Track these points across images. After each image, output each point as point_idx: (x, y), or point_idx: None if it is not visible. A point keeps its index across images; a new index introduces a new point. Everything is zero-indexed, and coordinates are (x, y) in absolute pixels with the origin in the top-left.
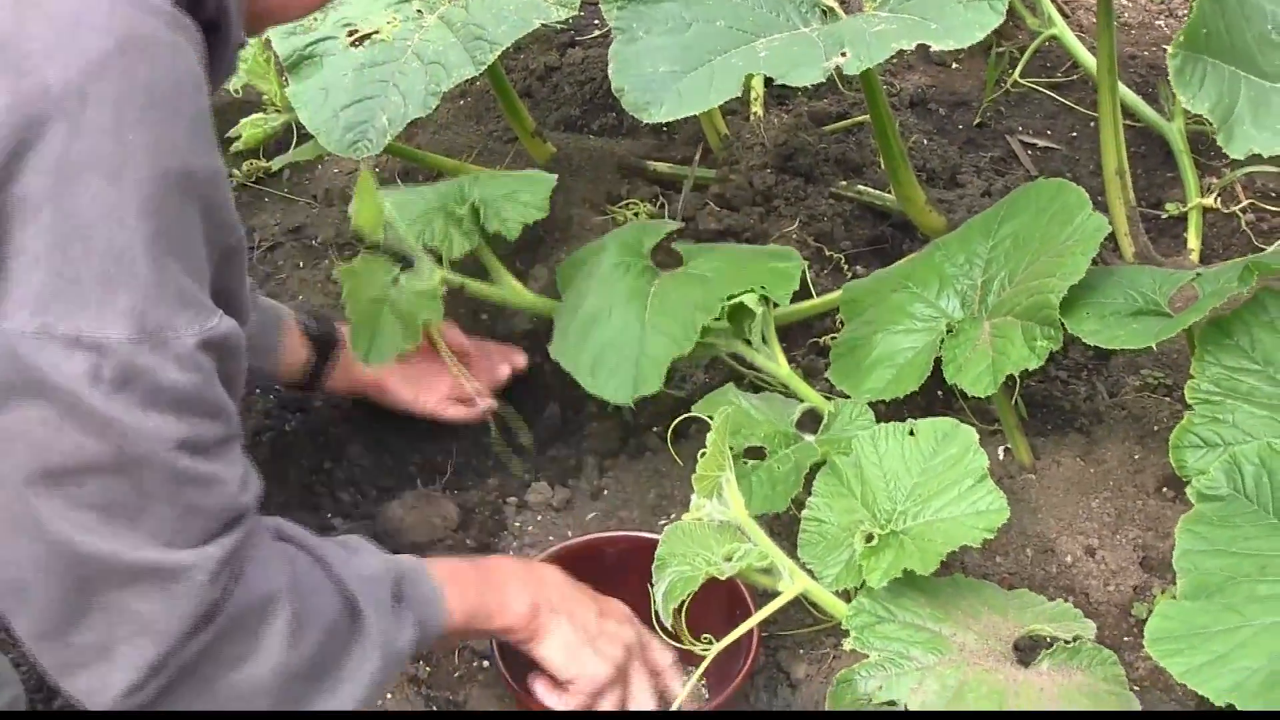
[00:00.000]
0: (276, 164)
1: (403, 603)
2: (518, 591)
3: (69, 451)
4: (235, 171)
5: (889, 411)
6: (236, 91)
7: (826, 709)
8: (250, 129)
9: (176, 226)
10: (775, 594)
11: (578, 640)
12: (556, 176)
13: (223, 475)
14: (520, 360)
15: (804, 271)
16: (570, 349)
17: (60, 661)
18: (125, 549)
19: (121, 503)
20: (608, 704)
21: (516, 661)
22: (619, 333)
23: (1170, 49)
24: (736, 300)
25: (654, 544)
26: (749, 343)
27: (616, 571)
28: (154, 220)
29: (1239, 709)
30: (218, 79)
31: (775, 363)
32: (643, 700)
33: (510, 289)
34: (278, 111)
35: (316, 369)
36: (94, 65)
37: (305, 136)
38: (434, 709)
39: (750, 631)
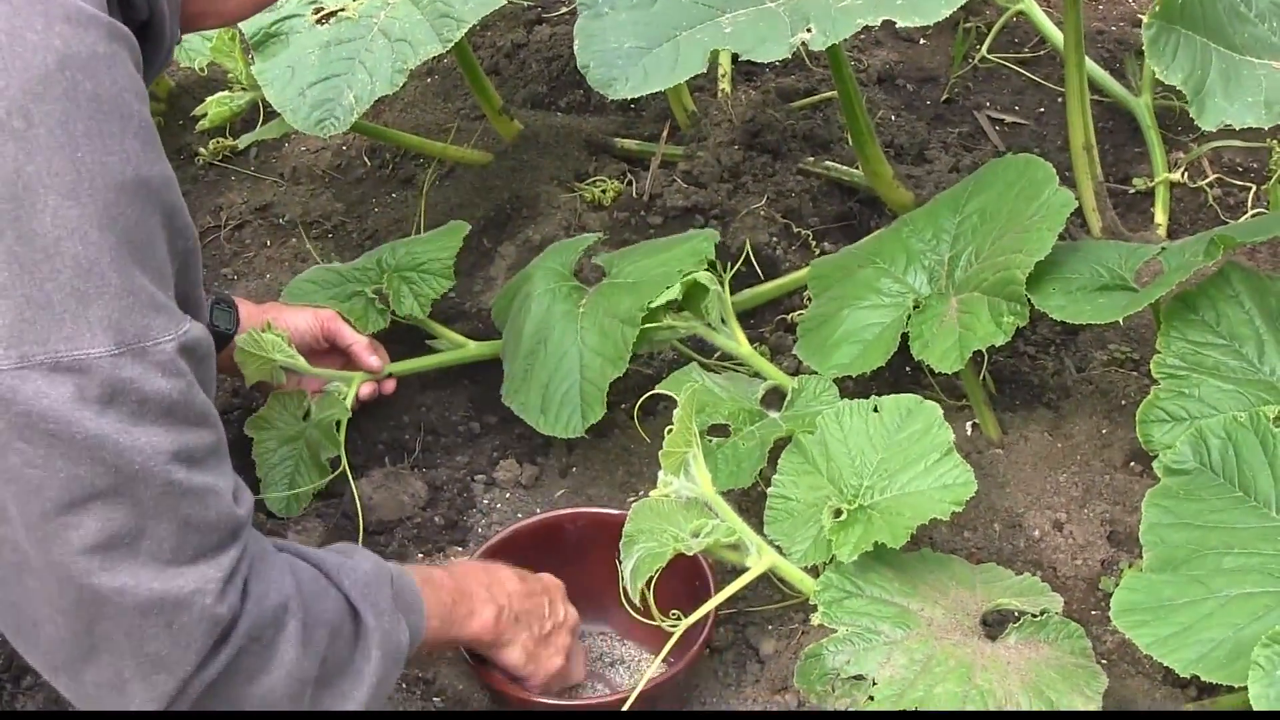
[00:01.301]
0: (243, 142)
1: (396, 605)
2: (484, 602)
3: (65, 485)
4: (201, 150)
5: (857, 387)
6: (202, 70)
7: (795, 684)
8: (216, 107)
9: (139, 235)
10: (743, 569)
11: (534, 643)
12: (469, 226)
13: (217, 486)
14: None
15: (750, 254)
16: (518, 391)
17: (77, 695)
18: (130, 583)
19: (121, 530)
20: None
21: None
22: (558, 363)
23: (1146, 18)
24: (667, 293)
25: (615, 520)
26: (710, 325)
27: (578, 548)
28: (116, 232)
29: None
30: (151, 77)
31: (735, 342)
32: (579, 665)
33: (451, 345)
34: (244, 89)
35: None
36: (36, 84)
37: (272, 114)
38: (404, 686)
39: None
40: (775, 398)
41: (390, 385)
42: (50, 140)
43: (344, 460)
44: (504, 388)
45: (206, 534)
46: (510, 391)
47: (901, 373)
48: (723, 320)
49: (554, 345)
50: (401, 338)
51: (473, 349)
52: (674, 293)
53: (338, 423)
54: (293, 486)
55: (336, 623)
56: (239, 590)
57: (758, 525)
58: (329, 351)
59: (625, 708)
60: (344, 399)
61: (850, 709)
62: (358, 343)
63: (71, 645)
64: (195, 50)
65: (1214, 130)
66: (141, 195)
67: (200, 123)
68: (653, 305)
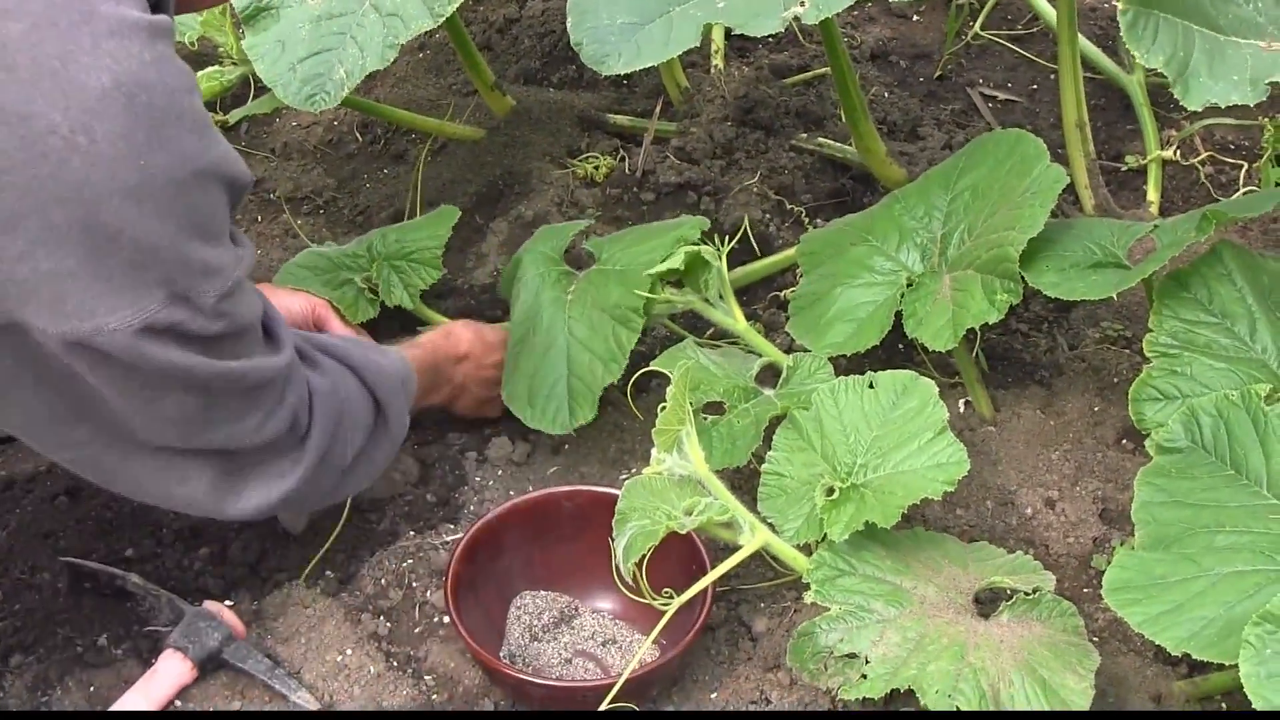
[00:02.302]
0: (234, 117)
1: (404, 399)
2: (445, 380)
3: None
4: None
5: (850, 365)
6: (192, 44)
7: (787, 662)
8: (206, 82)
9: (198, 214)
10: (736, 548)
11: (480, 402)
12: (458, 212)
13: (265, 363)
14: None
15: (747, 230)
16: (508, 380)
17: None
18: (245, 436)
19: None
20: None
21: (472, 617)
22: (544, 353)
23: (1120, 4)
24: (671, 260)
25: (612, 499)
26: (707, 301)
27: (573, 526)
28: (175, 217)
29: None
30: None
31: (733, 318)
32: None
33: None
34: (234, 64)
35: None
36: (95, 103)
37: (263, 89)
38: (395, 665)
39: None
40: (770, 375)
41: None
42: (113, 151)
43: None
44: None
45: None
46: (504, 383)
47: (895, 350)
48: (720, 296)
49: (541, 334)
50: (393, 314)
51: None
52: (676, 261)
53: None
54: None
55: (367, 422)
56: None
57: (751, 503)
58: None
59: (611, 694)
60: None
61: (843, 686)
62: (345, 333)
63: (215, 490)
64: (185, 25)
65: (1201, 109)
66: (201, 182)
67: None
68: (650, 273)
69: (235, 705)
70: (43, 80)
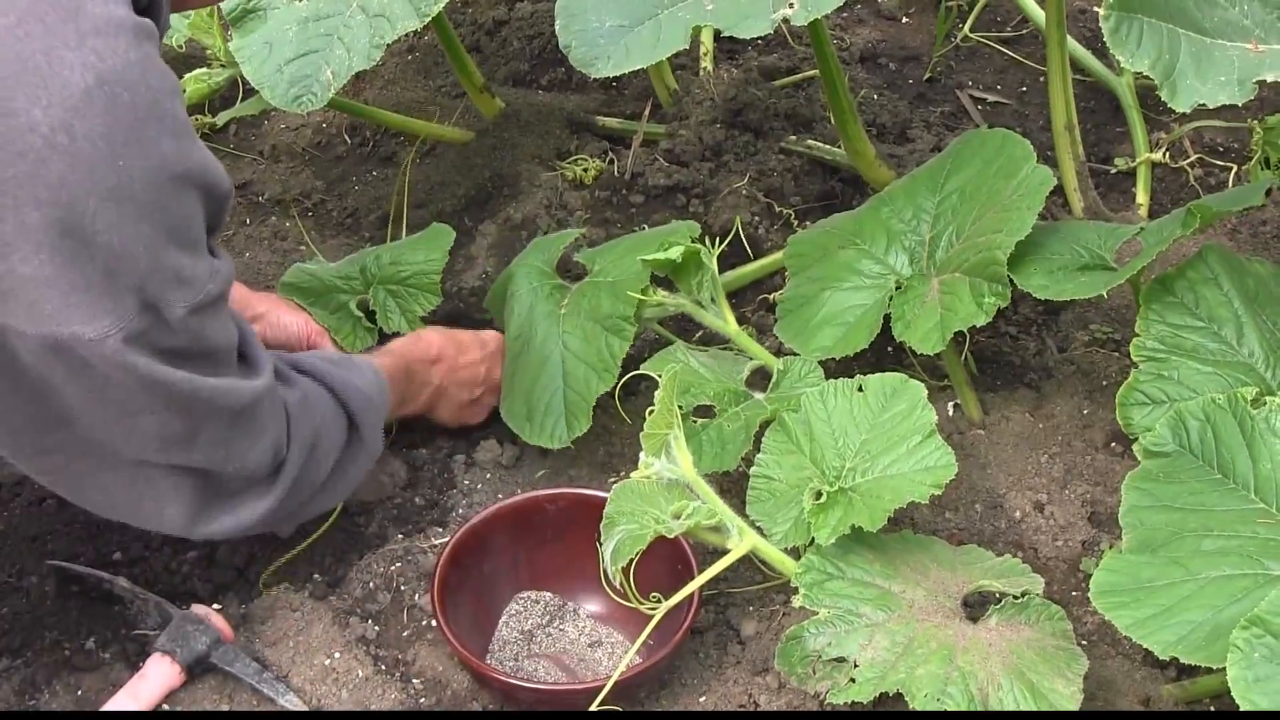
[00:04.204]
0: (222, 119)
1: (379, 416)
2: (421, 384)
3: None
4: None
5: (839, 367)
6: (180, 46)
7: (776, 665)
8: (194, 84)
9: (175, 219)
10: (724, 551)
11: (459, 409)
12: (453, 234)
13: (232, 385)
14: None
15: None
16: (506, 397)
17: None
18: (226, 461)
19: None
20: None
21: (459, 620)
22: (540, 368)
23: (1102, 10)
24: (670, 253)
25: (596, 501)
26: (699, 303)
27: (559, 528)
28: (153, 221)
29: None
30: None
31: (724, 320)
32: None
33: None
34: (222, 66)
35: None
36: (77, 101)
37: (250, 91)
38: (383, 668)
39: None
40: (760, 378)
41: None
42: (93, 152)
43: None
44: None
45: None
46: (503, 400)
47: (883, 353)
48: (712, 299)
49: (536, 349)
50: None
51: None
52: (674, 253)
53: None
54: None
55: (341, 441)
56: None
57: (739, 506)
58: None
59: (600, 697)
60: None
61: (831, 690)
62: None
63: (189, 515)
64: (172, 27)
65: (1190, 111)
66: (180, 186)
67: None
68: (646, 259)
69: (224, 709)
70: (26, 75)
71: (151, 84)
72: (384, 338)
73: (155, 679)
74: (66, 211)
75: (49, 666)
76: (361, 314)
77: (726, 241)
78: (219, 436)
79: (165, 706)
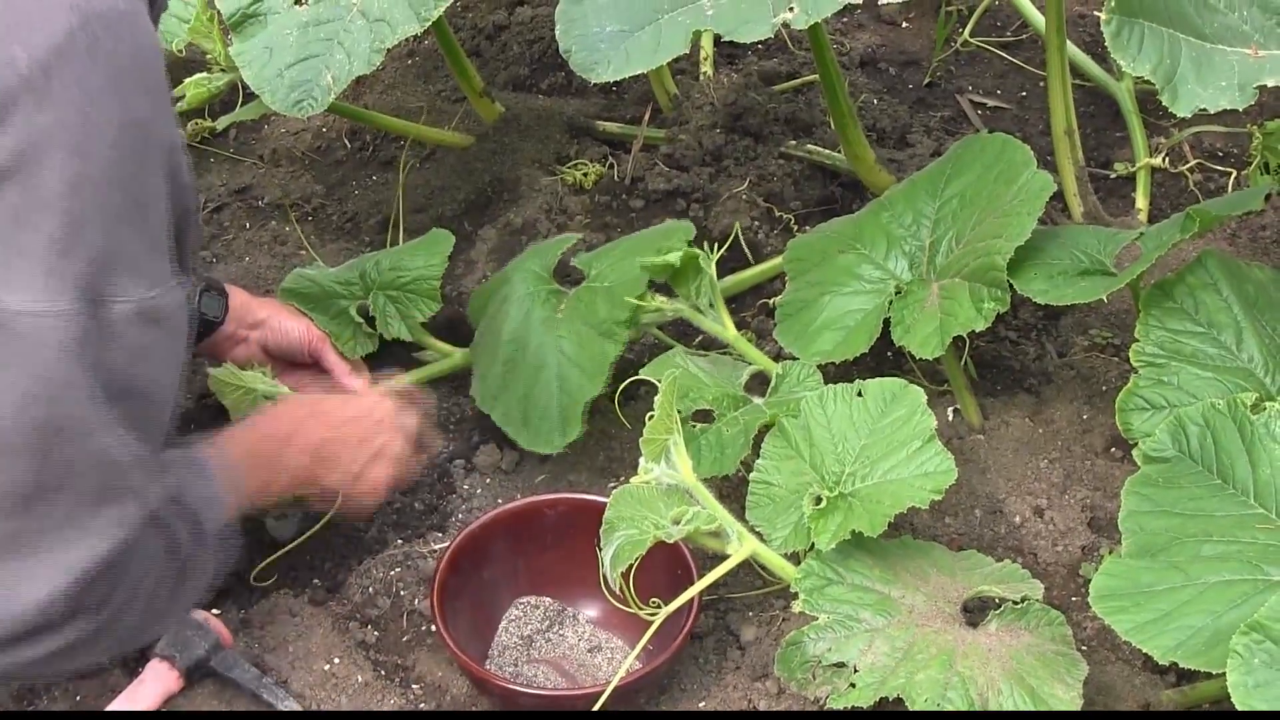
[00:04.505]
0: (222, 124)
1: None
2: (278, 467)
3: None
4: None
5: (838, 372)
6: (180, 51)
7: (776, 671)
8: (194, 89)
9: (140, 192)
10: (724, 557)
11: (351, 470)
12: (453, 239)
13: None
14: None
15: (739, 235)
16: (496, 398)
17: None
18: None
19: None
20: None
21: (458, 626)
22: (536, 374)
23: (1104, 15)
24: (669, 257)
25: (596, 506)
26: (698, 308)
27: (558, 534)
28: (117, 188)
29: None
30: None
31: (723, 325)
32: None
33: (438, 355)
34: (222, 71)
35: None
36: (59, 42)
37: (250, 96)
38: (383, 673)
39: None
40: (759, 383)
41: None
42: (65, 95)
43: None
44: (477, 389)
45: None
46: (485, 396)
47: (883, 357)
48: (710, 304)
49: (532, 355)
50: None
51: (458, 358)
52: (673, 257)
53: None
54: None
55: (189, 553)
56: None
57: (739, 511)
58: (312, 365)
59: (600, 703)
60: None
61: (831, 695)
62: (339, 367)
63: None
64: (172, 32)
65: (1191, 116)
66: (149, 156)
67: (178, 104)
68: (646, 263)
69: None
70: (13, 12)
71: (139, 40)
72: (384, 344)
73: (154, 684)
74: (29, 163)
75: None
76: (361, 320)
77: (725, 247)
78: (78, 496)
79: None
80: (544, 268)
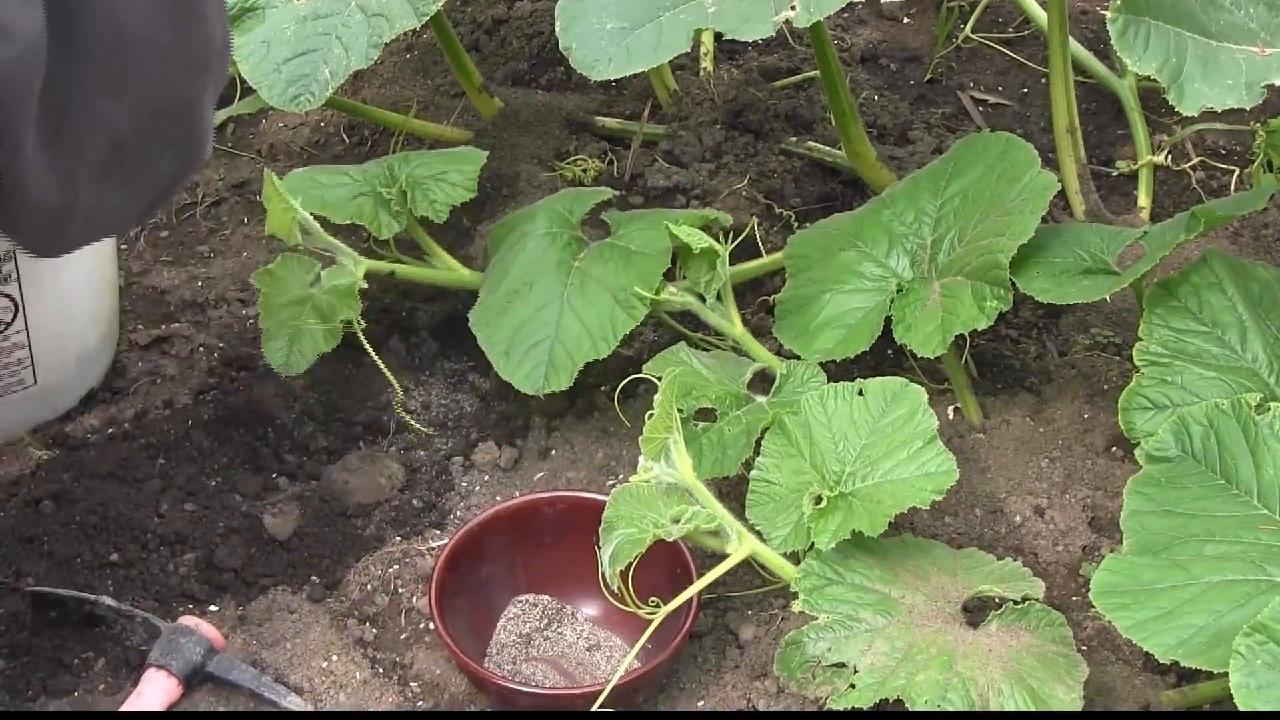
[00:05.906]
0: (219, 118)
1: None
2: None
3: None
4: None
5: (838, 370)
6: None
7: (775, 670)
8: None
9: None
10: (723, 556)
11: None
12: (486, 154)
13: None
14: None
15: (753, 229)
16: (488, 323)
17: None
18: None
19: None
20: None
21: (457, 624)
22: (536, 311)
23: (1109, 13)
24: (691, 237)
25: (594, 504)
26: (703, 300)
27: (556, 532)
28: None
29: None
30: None
31: (730, 321)
32: None
33: (446, 267)
34: None
35: None
36: None
37: (248, 90)
38: (381, 671)
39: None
40: (761, 381)
41: None
42: None
43: (358, 327)
44: (474, 311)
45: None
46: (480, 320)
47: (883, 355)
48: (719, 298)
49: (537, 291)
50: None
51: (466, 276)
52: (701, 241)
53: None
54: (294, 344)
55: None
56: None
57: (739, 510)
58: None
59: (599, 701)
60: (358, 267)
61: (831, 695)
62: None
63: None
64: None
65: (1196, 114)
66: None
67: None
68: (673, 228)
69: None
70: None
71: None
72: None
73: (153, 694)
74: None
75: (40, 679)
76: (391, 197)
77: (739, 240)
78: None
79: None
80: (572, 213)
